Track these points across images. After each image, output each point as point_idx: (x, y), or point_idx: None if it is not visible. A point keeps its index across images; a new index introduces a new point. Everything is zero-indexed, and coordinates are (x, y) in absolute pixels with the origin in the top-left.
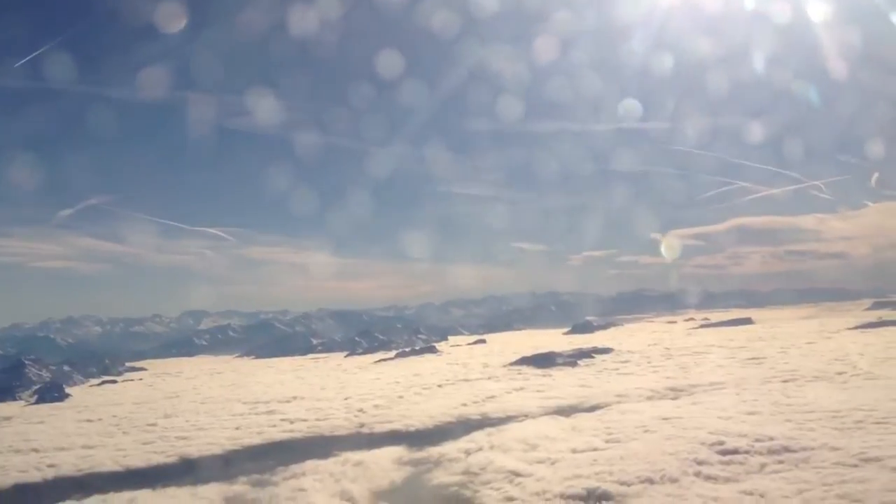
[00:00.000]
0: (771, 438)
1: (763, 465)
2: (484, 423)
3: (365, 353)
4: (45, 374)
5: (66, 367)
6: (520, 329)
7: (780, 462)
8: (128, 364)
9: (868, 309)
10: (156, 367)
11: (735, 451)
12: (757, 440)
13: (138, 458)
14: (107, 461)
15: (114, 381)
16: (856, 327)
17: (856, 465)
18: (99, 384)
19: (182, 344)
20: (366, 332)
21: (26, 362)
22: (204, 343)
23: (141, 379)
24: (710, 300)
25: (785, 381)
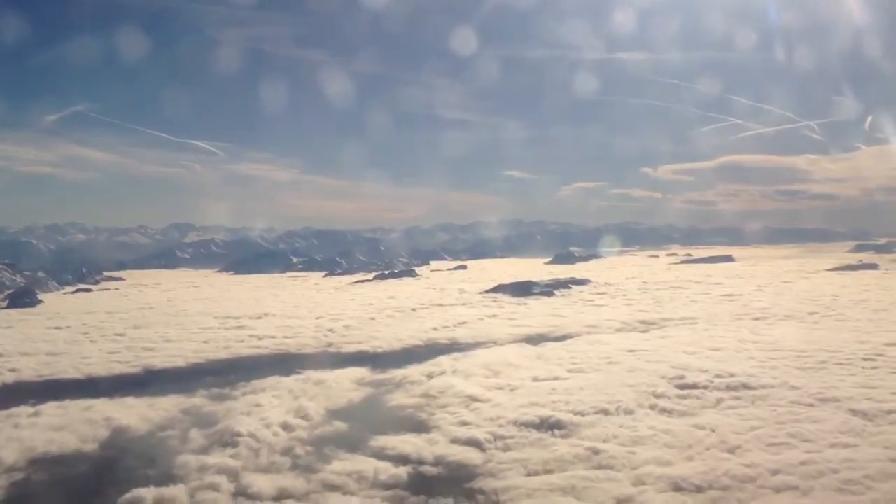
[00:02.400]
0: (731, 375)
1: (719, 401)
2: (451, 348)
3: (344, 273)
4: (20, 280)
5: (41, 274)
6: (503, 257)
7: (737, 398)
8: (105, 273)
9: (850, 251)
10: (134, 277)
11: (694, 386)
12: (717, 376)
13: (101, 367)
14: (69, 369)
15: (89, 290)
16: (834, 269)
17: (812, 405)
18: (74, 292)
19: (165, 256)
20: (347, 253)
21: (0, 266)
22: (186, 256)
23: (117, 289)
24: (696, 236)
25: (756, 319)
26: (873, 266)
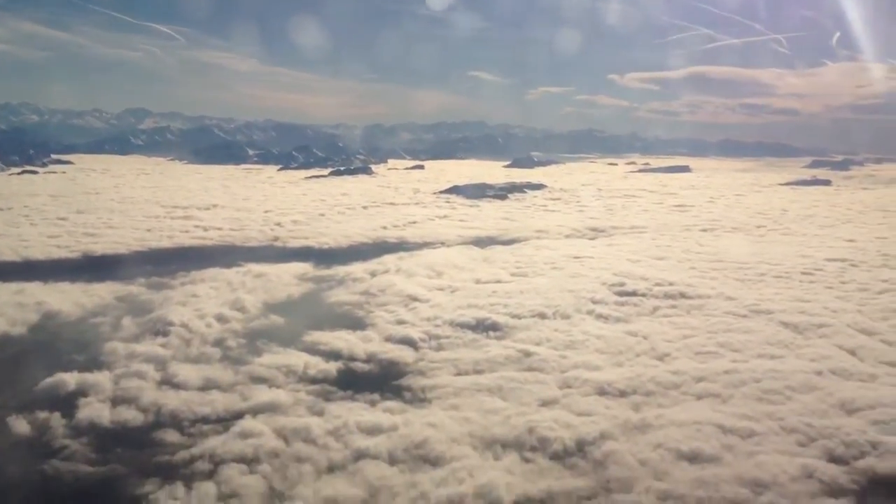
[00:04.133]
0: (671, 284)
1: (655, 309)
2: (399, 247)
3: (299, 168)
4: None
5: None
6: (463, 158)
7: (674, 307)
8: (54, 156)
9: (806, 167)
10: (84, 162)
11: (633, 294)
12: (657, 284)
13: (39, 251)
14: (6, 251)
15: (35, 172)
16: (788, 183)
17: (745, 316)
18: (20, 173)
19: (118, 142)
20: (304, 148)
21: None
22: (140, 143)
23: (65, 172)
24: (657, 146)
25: (704, 231)
26: (826, 182)
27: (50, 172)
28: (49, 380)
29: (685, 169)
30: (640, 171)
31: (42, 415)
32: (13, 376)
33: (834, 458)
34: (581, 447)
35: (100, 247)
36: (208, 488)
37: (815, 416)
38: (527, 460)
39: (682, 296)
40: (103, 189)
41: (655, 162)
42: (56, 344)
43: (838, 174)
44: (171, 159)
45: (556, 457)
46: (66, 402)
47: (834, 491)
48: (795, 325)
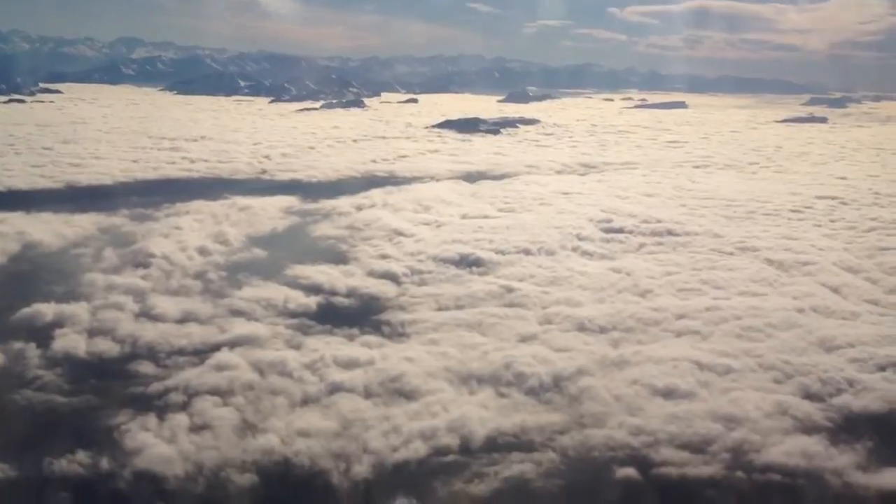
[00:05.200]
0: (658, 221)
1: (641, 246)
2: (387, 181)
3: (291, 100)
4: None
5: None
6: (458, 92)
7: (660, 244)
8: (43, 85)
9: (804, 104)
10: (73, 91)
11: (619, 231)
12: (644, 221)
13: (22, 181)
14: None
15: (22, 101)
16: (784, 121)
17: (731, 254)
18: (6, 102)
19: (109, 71)
20: (297, 80)
21: None
22: (131, 73)
23: (52, 102)
24: (655, 81)
25: (696, 167)
26: (822, 120)
27: (37, 101)
28: (26, 310)
29: (681, 105)
30: (637, 106)
31: (17, 345)
32: None
33: (809, 395)
34: (557, 383)
35: (84, 177)
36: (181, 420)
37: (794, 354)
38: (502, 395)
39: (669, 233)
40: (91, 119)
41: (653, 98)
42: (35, 275)
43: (836, 111)
44: (162, 89)
45: (532, 392)
46: (42, 333)
47: (807, 428)
48: (780, 262)
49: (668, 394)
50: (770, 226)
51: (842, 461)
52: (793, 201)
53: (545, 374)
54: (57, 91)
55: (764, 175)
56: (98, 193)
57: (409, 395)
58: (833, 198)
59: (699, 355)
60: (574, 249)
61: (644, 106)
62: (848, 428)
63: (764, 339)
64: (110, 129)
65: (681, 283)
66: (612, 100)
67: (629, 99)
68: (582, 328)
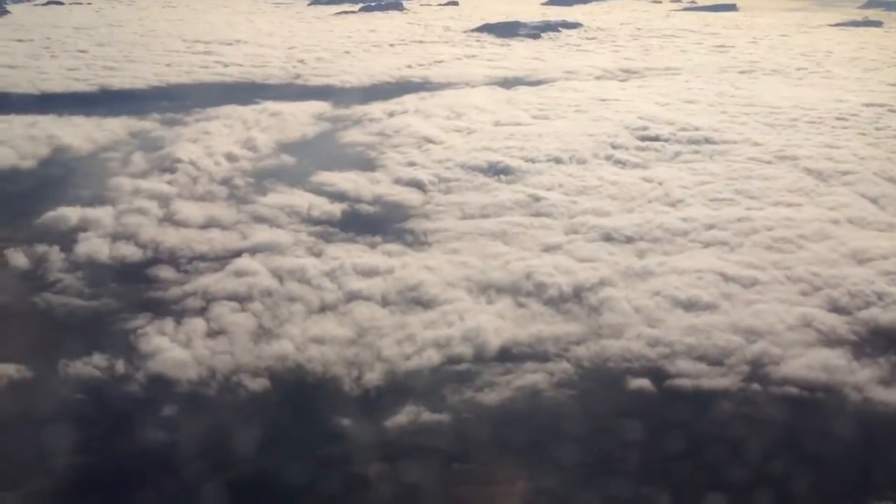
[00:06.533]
0: (696, 128)
1: (677, 154)
2: (422, 86)
3: (330, 3)
4: None
5: None
6: None
7: (696, 153)
8: None
9: (860, 7)
10: None
11: (655, 138)
12: (682, 129)
13: (57, 84)
14: (23, 83)
15: (60, 3)
16: (837, 24)
17: (769, 163)
18: (45, 4)
19: None
20: None
21: None
22: None
23: (90, 3)
24: None
25: (741, 73)
26: (878, 24)
27: (75, 3)
28: (51, 213)
29: (731, 7)
30: (685, 9)
31: (41, 248)
32: (18, 209)
33: (836, 308)
34: (577, 293)
35: (117, 81)
36: (197, 324)
37: (824, 266)
38: (520, 305)
39: (707, 141)
40: (127, 21)
41: (702, 0)
42: (63, 178)
43: (892, 14)
44: None
45: (551, 302)
46: (66, 237)
47: (831, 341)
48: (819, 171)
49: (690, 305)
50: (812, 134)
51: (863, 375)
52: (838, 108)
53: (566, 285)
54: None
55: (811, 81)
56: (130, 97)
57: (426, 304)
58: (881, 105)
59: (725, 267)
60: (607, 158)
61: (693, 8)
62: (873, 342)
63: (794, 251)
64: (145, 31)
65: (714, 192)
66: (660, 1)
67: (678, 1)
68: (608, 238)
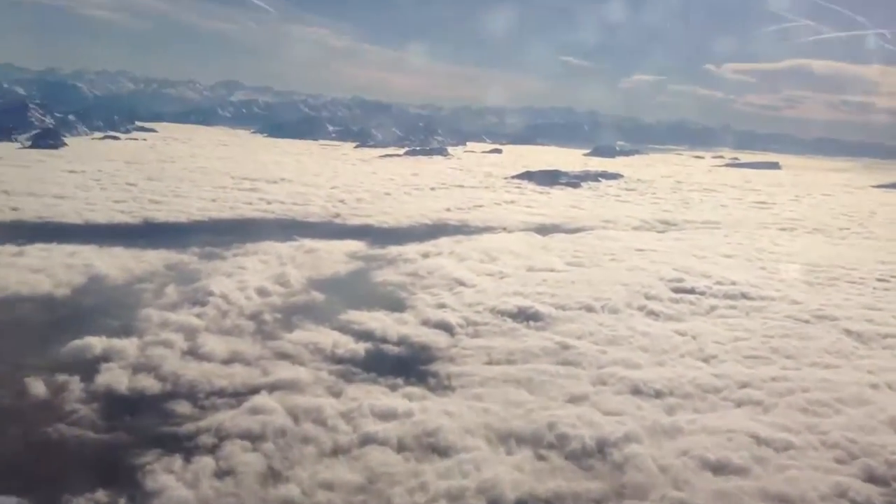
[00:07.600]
0: (733, 283)
1: (712, 308)
2: (459, 230)
3: (376, 146)
4: (49, 121)
5: (70, 117)
6: (545, 144)
7: (732, 307)
8: (139, 123)
9: None
10: (168, 130)
11: (691, 291)
12: (718, 283)
13: (102, 215)
14: (70, 213)
15: (116, 138)
16: (881, 185)
17: (807, 322)
18: (102, 138)
19: (206, 113)
20: (383, 126)
21: (31, 106)
22: (227, 115)
23: (145, 140)
24: (750, 140)
25: (782, 230)
26: None
27: (131, 139)
28: (76, 342)
29: (774, 166)
30: (728, 165)
31: (61, 378)
32: (45, 337)
33: (873, 478)
34: (601, 448)
35: (162, 214)
36: (206, 463)
37: (862, 432)
38: (541, 457)
39: (744, 296)
40: (179, 158)
41: (746, 157)
42: (94, 307)
43: None
44: (254, 132)
45: (573, 456)
46: (89, 367)
47: None
48: (860, 333)
49: (719, 468)
50: (853, 294)
51: None
52: (880, 270)
53: (589, 438)
54: (152, 130)
55: (853, 241)
56: (173, 230)
57: (442, 452)
58: None
59: (758, 428)
60: (640, 308)
61: (735, 165)
62: None
63: (831, 415)
64: (196, 168)
65: (749, 349)
66: (702, 157)
67: (720, 157)
68: (636, 391)
